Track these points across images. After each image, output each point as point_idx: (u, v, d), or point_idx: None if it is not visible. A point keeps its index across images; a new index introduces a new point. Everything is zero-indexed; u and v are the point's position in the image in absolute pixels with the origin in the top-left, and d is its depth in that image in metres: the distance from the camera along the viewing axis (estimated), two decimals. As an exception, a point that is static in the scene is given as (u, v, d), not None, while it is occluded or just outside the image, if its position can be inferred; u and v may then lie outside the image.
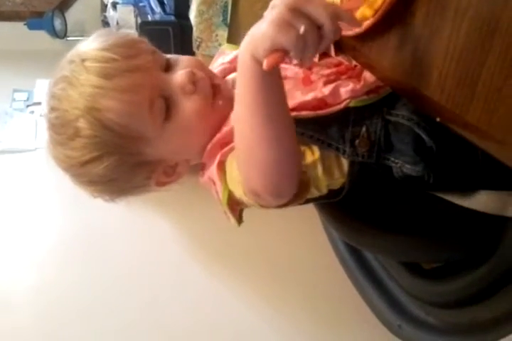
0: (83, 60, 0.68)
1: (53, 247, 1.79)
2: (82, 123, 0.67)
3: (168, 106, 0.70)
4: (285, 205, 0.67)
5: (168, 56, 0.76)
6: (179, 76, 0.72)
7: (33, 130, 2.40)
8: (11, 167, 2.19)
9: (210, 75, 0.75)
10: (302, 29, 0.50)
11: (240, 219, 0.73)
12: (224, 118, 0.74)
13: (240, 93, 0.59)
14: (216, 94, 0.73)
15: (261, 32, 0.53)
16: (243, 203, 0.71)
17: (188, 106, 0.71)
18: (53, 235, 1.85)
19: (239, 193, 0.68)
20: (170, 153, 0.74)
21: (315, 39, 0.52)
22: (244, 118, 0.60)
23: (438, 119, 0.58)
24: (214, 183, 0.72)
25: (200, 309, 1.56)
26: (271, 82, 0.57)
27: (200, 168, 0.77)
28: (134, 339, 1.51)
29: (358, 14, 0.61)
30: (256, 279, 1.63)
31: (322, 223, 1.22)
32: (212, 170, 0.71)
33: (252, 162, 0.61)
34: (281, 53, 0.52)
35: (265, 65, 0.52)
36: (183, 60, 0.75)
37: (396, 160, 0.73)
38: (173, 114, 0.71)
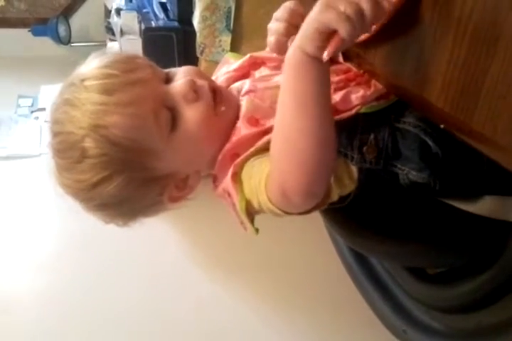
0: (82, 80, 0.68)
1: (56, 251, 1.79)
2: (88, 143, 0.66)
3: (173, 116, 0.70)
4: (308, 211, 0.66)
5: (167, 70, 0.76)
6: (180, 85, 0.71)
7: (38, 136, 2.41)
8: (16, 172, 2.20)
9: (210, 82, 0.75)
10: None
11: (256, 228, 0.72)
12: (229, 125, 0.73)
13: (288, 88, 0.60)
14: (218, 100, 0.73)
15: (303, 28, 0.56)
16: (260, 212, 0.70)
17: (193, 114, 0.70)
18: (56, 239, 1.86)
19: (258, 201, 0.67)
20: (179, 165, 0.73)
21: (357, 10, 0.53)
22: (291, 112, 0.60)
23: (442, 126, 0.58)
24: (229, 195, 0.70)
25: (201, 312, 1.55)
26: (323, 71, 0.59)
27: (213, 180, 0.75)
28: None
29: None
30: (260, 284, 1.63)
31: (327, 229, 1.22)
32: (227, 182, 0.70)
33: (292, 157, 0.60)
34: (336, 38, 0.54)
35: (326, 54, 0.55)
36: (182, 70, 0.75)
37: (402, 167, 0.73)
38: (179, 124, 0.70)
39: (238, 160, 0.69)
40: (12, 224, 1.92)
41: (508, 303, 0.79)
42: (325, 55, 0.55)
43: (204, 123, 0.71)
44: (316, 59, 0.57)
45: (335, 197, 0.73)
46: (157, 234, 1.78)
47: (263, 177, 0.65)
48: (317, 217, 0.98)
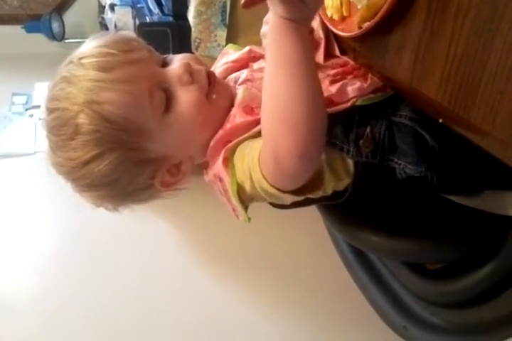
0: (80, 58, 0.68)
1: (54, 252, 1.78)
2: (82, 119, 0.66)
3: (167, 97, 0.70)
4: (302, 191, 0.66)
5: (167, 56, 0.76)
6: (176, 67, 0.72)
7: (33, 134, 2.40)
8: (10, 171, 2.19)
9: (206, 68, 0.75)
10: None
11: (248, 216, 0.72)
12: (222, 112, 0.73)
13: (270, 52, 0.61)
14: (211, 87, 0.73)
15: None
16: (253, 199, 0.71)
17: (187, 96, 0.71)
18: (54, 240, 1.85)
19: (251, 182, 0.66)
20: (172, 148, 0.73)
21: None
22: (275, 75, 0.60)
23: (441, 121, 0.58)
24: (220, 180, 0.70)
25: (203, 311, 1.55)
26: (301, 32, 0.59)
27: (204, 166, 0.76)
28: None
29: (359, 17, 0.61)
30: (259, 280, 1.63)
31: (325, 225, 1.22)
32: (218, 167, 0.70)
33: (283, 120, 0.59)
34: None
35: None
36: (180, 55, 0.76)
37: (399, 161, 0.73)
38: (172, 106, 0.70)
39: (229, 145, 0.69)
40: (7, 223, 1.91)
41: (509, 298, 0.79)
42: None
43: (197, 107, 0.71)
44: (290, 21, 0.58)
45: (329, 189, 0.73)
46: (156, 233, 1.78)
47: (256, 153, 0.64)
48: (316, 213, 0.98)
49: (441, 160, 0.71)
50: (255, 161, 0.64)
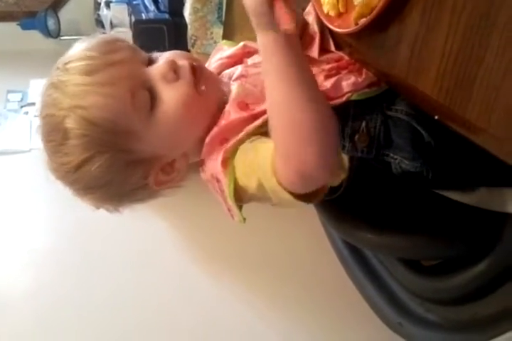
0: (65, 64, 0.69)
1: (49, 249, 1.78)
2: (69, 124, 0.66)
3: (151, 97, 0.70)
4: (317, 193, 0.64)
5: (154, 54, 0.76)
6: (160, 65, 0.71)
7: (28, 131, 2.39)
8: (5, 168, 2.18)
9: (193, 62, 0.74)
10: None
11: (243, 217, 0.72)
12: (213, 107, 0.73)
13: (269, 66, 0.61)
14: (197, 80, 0.72)
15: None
16: (252, 200, 0.70)
17: (172, 94, 0.70)
18: (49, 237, 1.84)
19: (260, 187, 0.65)
20: (162, 147, 0.72)
21: None
22: (279, 88, 0.60)
23: (437, 117, 0.58)
24: (218, 181, 0.70)
25: (199, 309, 1.55)
26: (292, 44, 0.60)
27: (200, 164, 0.75)
28: None
29: (355, 13, 0.61)
30: (255, 278, 1.63)
31: (321, 222, 1.22)
32: (216, 168, 0.69)
33: (296, 135, 0.58)
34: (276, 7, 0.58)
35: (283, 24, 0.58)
36: (166, 53, 0.75)
37: (395, 156, 0.73)
38: (157, 104, 0.69)
39: (228, 145, 0.68)
40: (2, 220, 1.91)
41: (503, 294, 0.79)
42: (285, 26, 0.58)
43: (184, 104, 0.70)
44: (276, 33, 0.59)
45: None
46: (152, 231, 1.78)
47: (266, 163, 0.62)
48: (312, 210, 0.98)
49: (437, 155, 0.72)
50: (268, 173, 0.62)
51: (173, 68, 0.70)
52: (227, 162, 0.68)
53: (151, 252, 1.72)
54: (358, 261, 1.20)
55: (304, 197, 0.63)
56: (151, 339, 1.49)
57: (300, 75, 0.60)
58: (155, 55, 0.75)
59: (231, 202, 0.69)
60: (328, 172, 0.60)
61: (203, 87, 0.72)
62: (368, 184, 0.76)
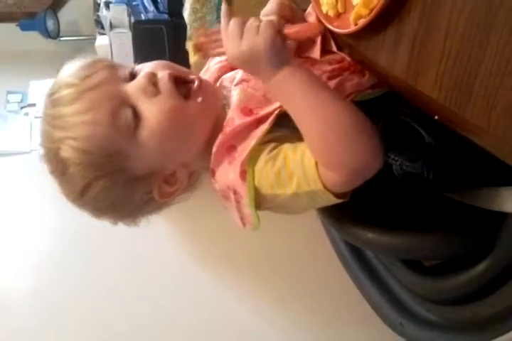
0: (49, 95, 0.71)
1: (50, 249, 1.78)
2: (64, 155, 0.68)
3: (134, 114, 0.69)
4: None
5: (136, 67, 0.74)
6: (138, 80, 0.70)
7: (28, 132, 2.39)
8: (5, 170, 2.18)
9: (174, 71, 0.72)
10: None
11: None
12: (211, 115, 0.72)
13: (290, 97, 0.65)
14: (194, 91, 0.71)
15: (241, 54, 0.64)
16: (273, 208, 0.71)
17: (154, 109, 0.69)
18: (50, 237, 1.85)
19: (294, 194, 0.66)
20: (157, 161, 0.72)
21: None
22: (307, 106, 0.63)
23: (436, 117, 0.58)
24: (235, 192, 0.69)
25: (199, 310, 1.55)
26: (302, 67, 0.65)
27: (211, 174, 0.73)
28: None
29: (354, 13, 0.61)
30: (255, 278, 1.63)
31: (322, 222, 1.22)
32: (234, 180, 0.68)
33: (341, 140, 0.62)
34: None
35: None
36: (147, 65, 0.73)
37: (396, 158, 0.73)
38: (141, 122, 0.69)
39: (243, 157, 0.67)
40: (3, 221, 1.91)
41: (504, 294, 0.79)
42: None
43: (169, 117, 0.69)
44: (291, 66, 0.63)
45: None
46: (154, 232, 1.77)
47: (306, 171, 0.64)
48: (312, 211, 0.97)
49: (438, 156, 0.72)
50: (305, 175, 0.64)
51: (152, 81, 0.69)
52: (246, 174, 0.68)
53: (153, 254, 1.72)
54: (359, 261, 1.20)
55: (344, 195, 0.66)
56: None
57: (325, 87, 0.65)
58: (137, 68, 0.73)
59: (251, 211, 0.69)
60: (380, 158, 0.62)
61: (200, 99, 0.71)
62: (369, 184, 0.76)
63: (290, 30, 0.66)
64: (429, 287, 0.95)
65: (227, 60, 0.71)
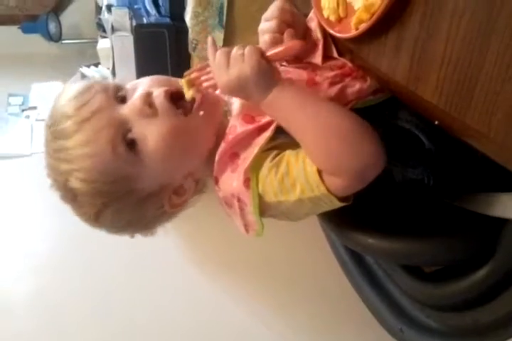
0: (49, 127, 0.71)
1: (50, 252, 1.78)
2: (71, 185, 0.69)
3: (135, 137, 0.69)
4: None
5: (129, 84, 0.74)
6: (133, 101, 0.70)
7: (29, 135, 2.39)
8: (6, 172, 2.18)
9: (170, 88, 0.71)
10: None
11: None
12: (212, 125, 0.72)
13: (284, 115, 0.66)
14: (195, 108, 0.71)
15: (232, 79, 0.66)
16: (276, 215, 0.72)
17: (154, 130, 0.69)
18: (50, 240, 1.85)
19: (298, 200, 0.66)
20: (164, 178, 0.73)
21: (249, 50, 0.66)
22: (301, 119, 0.64)
23: (436, 122, 0.58)
24: (239, 200, 0.69)
25: (199, 313, 1.55)
26: (292, 83, 0.67)
27: (214, 182, 0.74)
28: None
29: (355, 18, 0.61)
30: (256, 284, 1.62)
31: (322, 227, 1.22)
32: (238, 188, 0.68)
33: (342, 139, 0.63)
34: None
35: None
36: (141, 82, 0.73)
37: (396, 163, 0.73)
38: (143, 144, 0.69)
39: (246, 166, 0.68)
40: (3, 224, 1.91)
41: (504, 301, 0.79)
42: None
43: (170, 136, 0.69)
44: (280, 84, 0.65)
45: None
46: (159, 240, 1.77)
47: (308, 177, 0.65)
48: (314, 217, 0.97)
49: (438, 162, 0.71)
50: (308, 181, 0.65)
51: (148, 102, 0.69)
52: (250, 182, 0.68)
53: (153, 258, 1.71)
54: (359, 267, 1.20)
55: (347, 198, 0.67)
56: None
57: (315, 99, 0.67)
58: (131, 85, 0.73)
59: (256, 218, 0.70)
60: (382, 159, 0.63)
61: (201, 112, 0.71)
62: (370, 190, 0.76)
63: (273, 52, 0.67)
64: (429, 293, 0.94)
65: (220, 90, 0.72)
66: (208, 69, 0.70)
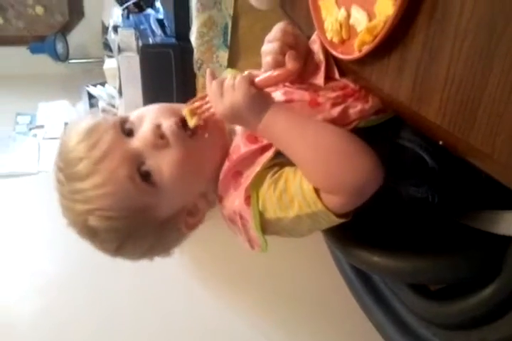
0: (61, 170, 0.71)
1: (56, 271, 1.78)
2: (91, 223, 0.69)
3: (148, 170, 0.70)
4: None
5: (132, 116, 0.74)
6: (145, 134, 0.71)
7: (36, 153, 2.41)
8: (14, 190, 2.19)
9: (179, 117, 0.73)
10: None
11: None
12: (218, 147, 0.74)
13: (279, 138, 0.67)
14: (200, 132, 0.72)
15: (227, 107, 0.68)
16: (278, 232, 0.72)
17: (168, 160, 0.70)
18: (57, 259, 1.85)
19: (297, 217, 0.68)
20: (180, 201, 0.74)
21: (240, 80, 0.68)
22: (296, 141, 0.66)
23: (441, 143, 0.58)
24: (241, 217, 0.71)
25: (204, 331, 1.54)
26: (282, 104, 0.69)
27: (218, 200, 0.75)
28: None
29: (358, 40, 0.62)
30: (261, 302, 1.61)
31: (328, 246, 1.21)
32: (239, 205, 0.70)
33: (335, 156, 0.64)
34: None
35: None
36: (145, 114, 0.74)
37: (400, 182, 0.73)
38: (159, 175, 0.70)
39: (247, 184, 0.69)
40: (10, 243, 1.91)
41: (511, 320, 0.78)
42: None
43: (184, 163, 0.71)
44: (271, 107, 0.67)
45: None
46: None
47: (305, 194, 0.66)
48: (317, 233, 0.97)
49: (442, 180, 0.72)
50: (305, 198, 0.66)
51: (159, 134, 0.70)
52: (250, 199, 0.69)
53: (157, 276, 1.71)
54: (365, 285, 1.19)
55: (346, 215, 0.68)
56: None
57: (308, 120, 0.68)
58: (136, 118, 0.74)
59: (258, 233, 0.71)
60: (380, 174, 0.64)
61: (207, 135, 0.73)
62: (375, 208, 0.76)
63: (263, 77, 0.70)
64: (435, 311, 0.93)
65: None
66: (207, 98, 0.72)
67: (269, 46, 0.74)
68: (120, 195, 0.68)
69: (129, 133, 0.72)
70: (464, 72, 0.51)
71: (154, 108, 0.75)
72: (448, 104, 0.53)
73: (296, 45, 0.74)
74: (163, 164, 0.70)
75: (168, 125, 0.71)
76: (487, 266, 0.80)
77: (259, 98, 0.67)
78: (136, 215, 0.70)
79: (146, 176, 0.70)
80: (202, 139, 0.72)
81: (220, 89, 0.68)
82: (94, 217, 0.68)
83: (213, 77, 0.72)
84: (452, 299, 0.88)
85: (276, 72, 0.70)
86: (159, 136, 0.70)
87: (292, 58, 0.71)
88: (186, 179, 0.72)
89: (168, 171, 0.70)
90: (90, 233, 0.71)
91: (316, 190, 0.65)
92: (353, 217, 0.73)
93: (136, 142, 0.71)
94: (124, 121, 0.73)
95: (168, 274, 1.70)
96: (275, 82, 0.71)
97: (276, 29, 0.75)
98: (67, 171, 0.70)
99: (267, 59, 0.73)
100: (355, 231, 0.84)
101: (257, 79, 0.69)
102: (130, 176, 0.69)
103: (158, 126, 0.71)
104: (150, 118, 0.72)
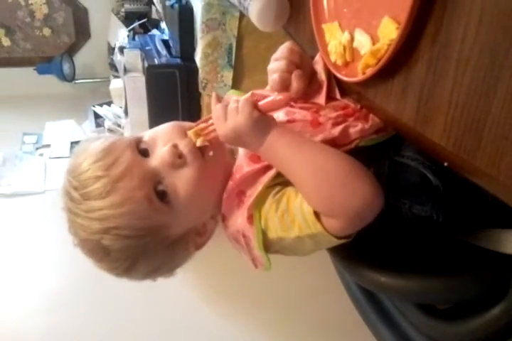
0: (75, 189, 0.69)
1: (63, 289, 1.78)
2: (105, 243, 0.69)
3: (166, 189, 0.71)
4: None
5: (145, 137, 0.75)
6: (162, 156, 0.71)
7: (42, 172, 2.42)
8: (20, 210, 2.20)
9: (192, 140, 0.73)
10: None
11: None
12: (224, 166, 0.75)
13: (281, 160, 0.68)
14: (206, 148, 0.74)
15: (231, 130, 0.68)
16: (281, 250, 0.73)
17: (185, 179, 0.71)
18: (63, 277, 1.85)
19: (298, 238, 0.68)
20: (191, 222, 0.75)
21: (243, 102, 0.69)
22: (297, 164, 0.66)
23: (446, 164, 0.58)
24: (244, 236, 0.72)
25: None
26: (285, 125, 0.69)
27: (222, 219, 0.76)
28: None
29: (362, 63, 0.63)
30: (267, 321, 1.60)
31: (334, 265, 1.21)
32: (242, 224, 0.71)
33: (333, 187, 0.64)
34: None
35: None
36: (158, 134, 0.75)
37: (404, 201, 0.73)
38: (175, 193, 0.71)
39: (250, 202, 0.70)
40: (16, 261, 1.91)
41: (521, 340, 0.77)
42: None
43: (199, 182, 0.72)
44: (274, 128, 0.68)
45: None
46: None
47: (304, 215, 0.66)
48: (323, 252, 0.97)
49: (446, 199, 0.72)
50: (305, 219, 0.67)
51: (177, 154, 0.71)
52: (253, 218, 0.70)
53: (162, 293, 1.70)
54: (372, 304, 1.18)
55: (347, 236, 0.68)
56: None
57: (309, 143, 0.69)
58: (150, 138, 0.74)
59: (261, 252, 0.71)
60: (380, 198, 0.63)
61: (211, 153, 0.73)
62: (380, 227, 0.76)
63: (265, 102, 0.71)
64: (443, 330, 0.92)
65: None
66: (210, 121, 0.74)
67: (276, 64, 0.75)
68: (138, 214, 0.68)
69: (144, 153, 0.73)
70: (468, 95, 0.51)
71: (167, 128, 0.76)
72: (453, 126, 0.53)
73: (302, 64, 0.75)
74: (180, 183, 0.71)
75: (184, 145, 0.72)
76: (495, 285, 0.80)
77: (261, 121, 0.68)
78: (150, 234, 0.70)
79: (162, 195, 0.70)
80: (210, 159, 0.73)
81: (224, 113, 0.69)
82: (110, 236, 0.68)
83: (218, 100, 0.73)
84: (460, 319, 0.87)
85: (279, 96, 0.71)
86: (178, 155, 0.71)
87: (298, 77, 0.72)
88: (200, 197, 0.73)
89: (183, 189, 0.71)
90: (102, 252, 0.70)
91: (316, 213, 0.66)
92: (359, 236, 0.73)
93: (154, 162, 0.71)
94: (138, 141, 0.74)
95: (172, 293, 1.70)
96: (278, 106, 0.72)
97: (283, 48, 0.77)
98: (82, 191, 0.69)
99: (273, 76, 0.73)
100: (361, 251, 0.84)
101: (260, 103, 0.70)
102: (148, 195, 0.69)
103: (175, 146, 0.72)
104: (164, 138, 0.74)
